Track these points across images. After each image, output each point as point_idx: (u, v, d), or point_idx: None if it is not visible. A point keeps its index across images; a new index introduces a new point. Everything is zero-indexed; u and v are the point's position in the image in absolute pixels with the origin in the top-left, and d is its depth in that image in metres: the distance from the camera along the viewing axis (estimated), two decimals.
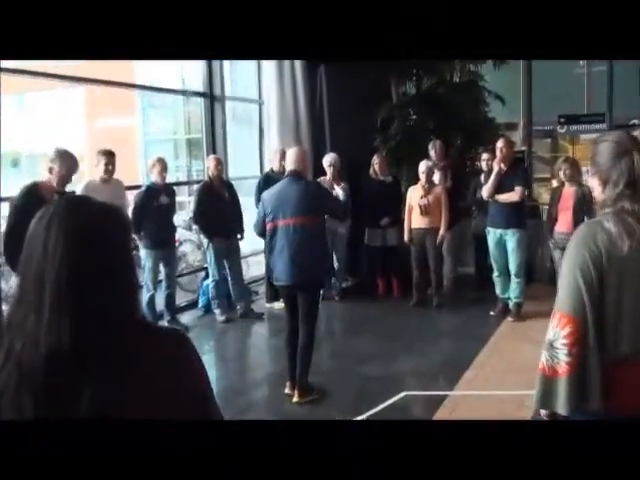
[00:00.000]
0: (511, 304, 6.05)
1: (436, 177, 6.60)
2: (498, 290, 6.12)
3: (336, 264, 6.92)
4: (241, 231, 6.29)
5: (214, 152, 7.01)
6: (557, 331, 1.81)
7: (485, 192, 5.88)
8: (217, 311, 6.27)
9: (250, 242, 6.62)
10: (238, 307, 6.36)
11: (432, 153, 6.73)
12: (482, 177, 6.30)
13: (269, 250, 4.34)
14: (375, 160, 6.92)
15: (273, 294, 6.58)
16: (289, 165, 4.33)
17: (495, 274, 6.08)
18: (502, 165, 5.79)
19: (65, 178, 4.26)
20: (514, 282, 5.96)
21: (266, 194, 4.35)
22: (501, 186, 5.81)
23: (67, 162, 4.27)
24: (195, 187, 6.62)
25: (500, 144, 5.83)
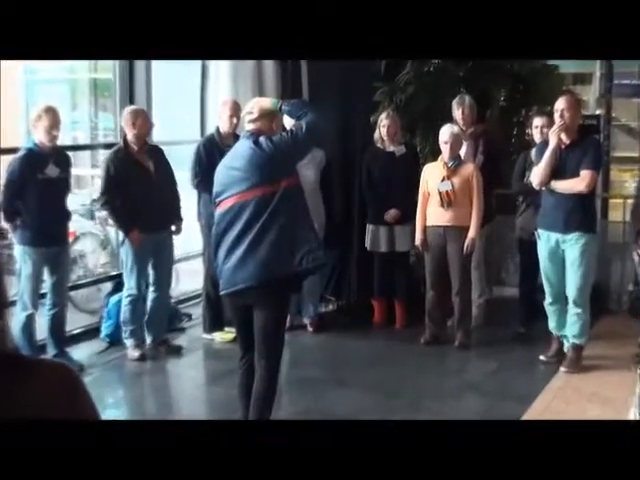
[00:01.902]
0: (567, 346, 6.16)
1: (463, 150, 6.73)
2: (552, 324, 6.22)
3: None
4: (177, 220, 6.41)
5: (131, 101, 7.05)
6: None
7: (536, 176, 5.94)
8: (129, 342, 6.34)
9: (180, 240, 6.66)
10: (147, 334, 6.45)
11: (457, 114, 6.87)
12: (533, 153, 6.40)
13: (216, 243, 4.43)
14: (383, 121, 7.05)
15: (214, 319, 6.67)
16: (249, 122, 4.43)
17: (547, 300, 6.17)
18: (562, 136, 5.88)
19: None
20: (573, 313, 6.05)
21: (218, 167, 4.54)
22: (561, 168, 5.89)
23: None
24: (102, 154, 6.65)
25: (561, 104, 5.88)
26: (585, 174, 5.82)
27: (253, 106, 4.45)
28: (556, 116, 5.86)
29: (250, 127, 4.43)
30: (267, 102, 4.51)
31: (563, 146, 5.87)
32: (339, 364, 6.38)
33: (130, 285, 6.24)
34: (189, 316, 7.28)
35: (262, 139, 4.30)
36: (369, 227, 7.12)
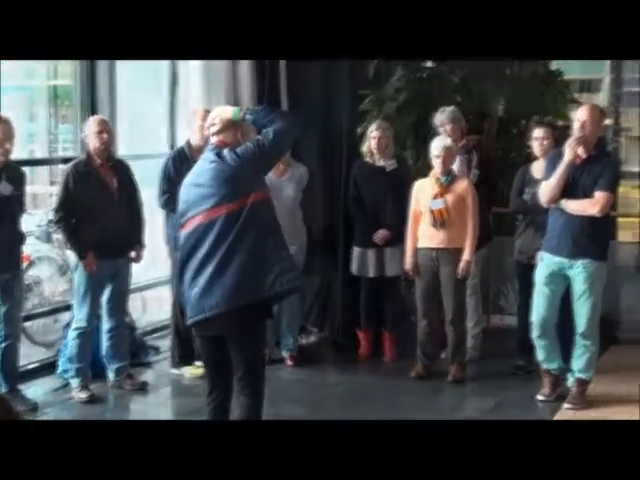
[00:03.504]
0: (571, 380, 6.18)
1: (457, 164, 6.81)
2: (541, 357, 6.25)
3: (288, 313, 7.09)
4: (138, 246, 6.47)
5: (93, 110, 7.10)
6: None
7: (545, 193, 5.95)
8: (75, 382, 6.31)
9: (148, 266, 6.71)
10: (109, 371, 6.49)
11: (440, 130, 6.90)
12: (533, 168, 6.49)
13: (181, 267, 4.52)
14: (373, 132, 7.13)
15: (183, 352, 6.74)
16: (212, 135, 4.55)
17: (535, 333, 6.14)
18: (580, 151, 5.88)
19: None
20: (581, 345, 6.08)
21: (182, 184, 4.64)
22: (573, 186, 5.88)
23: None
24: (62, 169, 6.67)
25: (583, 115, 5.87)
26: (599, 196, 5.80)
27: (215, 117, 4.55)
28: (575, 127, 5.83)
29: (213, 140, 4.53)
30: (228, 112, 4.57)
31: (578, 161, 5.85)
32: (321, 402, 6.42)
33: (80, 317, 6.27)
34: (156, 349, 7.32)
35: (225, 152, 4.40)
36: (356, 249, 7.18)
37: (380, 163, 7.11)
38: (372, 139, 7.07)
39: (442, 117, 6.88)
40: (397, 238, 6.91)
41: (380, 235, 7.01)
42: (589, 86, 8.74)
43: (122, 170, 6.38)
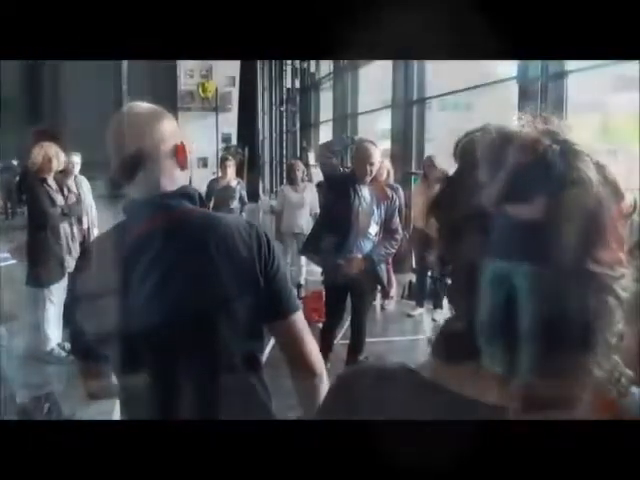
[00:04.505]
0: (516, 383, 6.25)
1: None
2: (486, 359, 6.32)
3: None
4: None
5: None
6: None
7: (488, 196, 6.05)
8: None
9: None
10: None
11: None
12: (484, 170, 6.62)
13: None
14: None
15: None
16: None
17: (481, 335, 6.25)
18: (521, 154, 5.99)
19: None
20: (525, 349, 6.15)
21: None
22: (515, 189, 5.99)
23: None
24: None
25: (524, 118, 6.02)
26: (541, 200, 5.96)
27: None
28: (518, 132, 5.99)
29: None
30: None
31: (520, 166, 6.00)
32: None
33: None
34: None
35: None
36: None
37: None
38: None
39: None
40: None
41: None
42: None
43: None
